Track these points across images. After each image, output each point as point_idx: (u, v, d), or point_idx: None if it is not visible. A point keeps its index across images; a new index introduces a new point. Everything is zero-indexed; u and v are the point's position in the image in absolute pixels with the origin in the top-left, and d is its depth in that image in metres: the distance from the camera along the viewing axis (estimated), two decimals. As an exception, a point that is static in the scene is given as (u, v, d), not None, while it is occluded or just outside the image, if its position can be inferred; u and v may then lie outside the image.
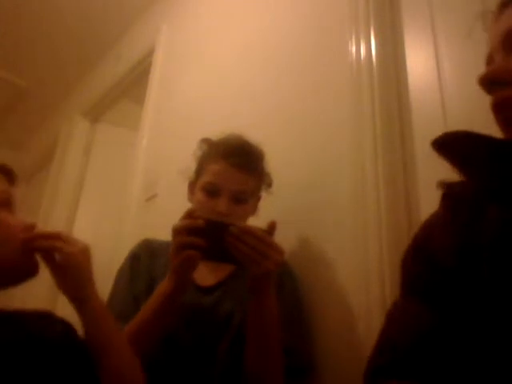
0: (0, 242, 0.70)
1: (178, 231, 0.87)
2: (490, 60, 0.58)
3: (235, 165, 1.03)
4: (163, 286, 0.91)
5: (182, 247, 0.86)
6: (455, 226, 0.55)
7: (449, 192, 0.59)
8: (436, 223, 0.59)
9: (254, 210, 1.11)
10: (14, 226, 0.72)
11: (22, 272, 0.72)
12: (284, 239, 1.09)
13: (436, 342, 0.50)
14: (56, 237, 0.74)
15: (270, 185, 1.14)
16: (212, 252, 0.88)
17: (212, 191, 1.03)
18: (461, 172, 0.56)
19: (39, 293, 2.32)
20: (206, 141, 1.14)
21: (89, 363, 0.71)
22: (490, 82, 0.54)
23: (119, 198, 2.18)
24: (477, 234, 0.51)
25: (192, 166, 1.13)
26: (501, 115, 0.53)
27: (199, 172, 1.10)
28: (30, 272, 0.73)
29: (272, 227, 0.89)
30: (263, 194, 1.14)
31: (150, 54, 2.37)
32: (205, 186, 1.04)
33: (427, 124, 1.03)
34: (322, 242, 1.12)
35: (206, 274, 1.06)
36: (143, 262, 1.08)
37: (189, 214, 0.88)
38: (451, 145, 0.56)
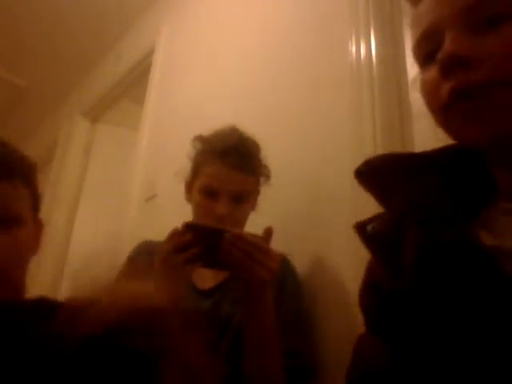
0: None
1: (167, 256, 0.85)
2: (428, 34, 0.49)
3: (233, 165, 1.00)
4: None
5: (179, 266, 0.84)
6: (380, 261, 0.53)
7: (362, 232, 0.54)
8: None
9: (253, 206, 1.10)
10: None
11: None
12: (284, 239, 1.09)
13: (389, 381, 0.48)
14: None
15: (268, 177, 1.11)
16: (207, 259, 0.86)
17: (210, 193, 1.01)
18: (379, 201, 0.53)
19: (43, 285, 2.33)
20: (199, 138, 1.10)
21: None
22: (453, 63, 0.45)
23: (119, 198, 2.18)
24: (399, 262, 0.49)
25: (187, 165, 1.11)
26: (461, 105, 0.45)
27: (195, 171, 1.07)
28: None
29: (268, 234, 0.86)
30: (263, 189, 1.12)
31: (150, 53, 2.37)
32: (203, 189, 1.02)
33: (427, 124, 1.03)
34: (322, 242, 1.12)
35: (205, 277, 1.05)
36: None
37: (173, 235, 0.86)
38: (370, 173, 0.53)
